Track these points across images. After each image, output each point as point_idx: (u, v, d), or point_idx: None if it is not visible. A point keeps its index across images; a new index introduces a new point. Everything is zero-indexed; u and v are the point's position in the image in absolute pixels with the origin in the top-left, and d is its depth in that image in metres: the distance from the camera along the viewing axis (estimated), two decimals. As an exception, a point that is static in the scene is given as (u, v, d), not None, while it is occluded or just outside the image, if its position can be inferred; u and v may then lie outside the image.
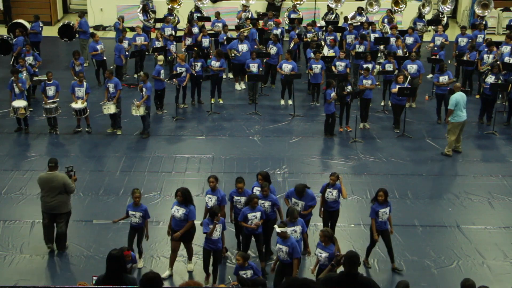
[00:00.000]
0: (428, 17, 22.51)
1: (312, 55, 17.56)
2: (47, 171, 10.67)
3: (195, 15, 21.52)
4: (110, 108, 15.05)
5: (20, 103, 15.13)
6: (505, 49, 17.85)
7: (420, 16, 21.75)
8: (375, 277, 9.69)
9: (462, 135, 14.63)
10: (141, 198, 10.34)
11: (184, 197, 9.91)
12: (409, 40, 19.10)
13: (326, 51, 18.26)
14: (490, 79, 16.12)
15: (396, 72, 16.92)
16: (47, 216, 10.66)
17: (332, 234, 9.18)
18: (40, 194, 10.71)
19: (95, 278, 8.55)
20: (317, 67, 17.03)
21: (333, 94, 14.94)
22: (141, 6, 22.16)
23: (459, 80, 18.44)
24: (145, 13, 22.08)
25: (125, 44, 18.71)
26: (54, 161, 10.76)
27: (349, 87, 15.46)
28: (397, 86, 15.32)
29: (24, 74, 16.04)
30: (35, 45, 19.88)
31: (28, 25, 20.49)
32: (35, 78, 16.85)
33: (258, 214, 10.03)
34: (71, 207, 10.77)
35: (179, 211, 9.93)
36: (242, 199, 10.37)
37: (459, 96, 14.29)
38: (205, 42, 19.28)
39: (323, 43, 18.98)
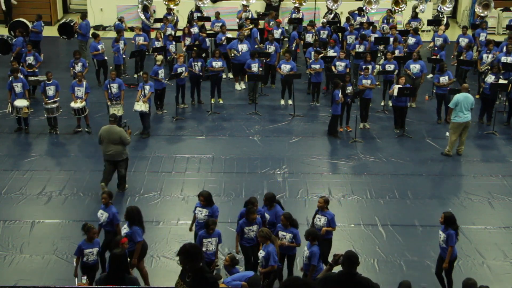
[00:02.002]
0: (424, 16, 22.50)
1: (311, 54, 17.62)
2: (108, 125, 12.51)
3: (196, 15, 21.54)
4: (119, 110, 15.07)
5: (22, 102, 15.14)
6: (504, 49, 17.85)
7: (414, 16, 21.73)
8: (375, 277, 9.69)
9: (465, 137, 14.53)
10: (139, 198, 10.26)
11: (127, 216, 9.30)
12: (411, 40, 19.06)
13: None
14: (490, 78, 16.12)
15: (396, 72, 16.93)
16: (108, 163, 12.40)
17: (270, 234, 9.06)
18: (102, 145, 12.40)
19: (84, 278, 8.55)
20: (315, 67, 17.06)
21: (340, 95, 14.91)
22: (141, 6, 22.17)
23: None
24: (146, 12, 22.11)
25: (121, 44, 18.70)
26: (114, 116, 12.70)
27: (350, 88, 15.44)
28: (397, 87, 15.29)
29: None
30: (35, 44, 19.90)
31: (29, 24, 20.50)
32: (34, 78, 16.87)
33: (288, 236, 9.47)
34: (127, 155, 12.55)
35: (124, 230, 9.35)
36: (254, 228, 9.62)
37: (461, 97, 14.20)
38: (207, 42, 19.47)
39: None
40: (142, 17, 21.91)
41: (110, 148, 12.25)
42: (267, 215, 9.99)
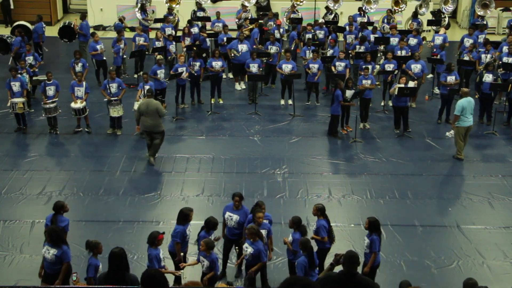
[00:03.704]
0: (424, 16, 22.51)
1: (308, 54, 17.63)
2: (145, 98, 13.92)
3: (198, 13, 21.54)
4: (119, 111, 15.07)
5: (18, 99, 15.16)
6: (505, 49, 17.83)
7: (415, 16, 21.73)
8: (375, 277, 9.68)
9: (467, 138, 14.45)
10: (139, 198, 10.18)
11: (51, 237, 8.65)
12: (413, 41, 19.05)
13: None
14: (488, 77, 16.09)
15: (396, 72, 16.91)
16: (147, 134, 13.72)
17: (258, 230, 8.97)
18: (141, 118, 13.60)
19: (74, 275, 8.50)
20: (314, 67, 17.05)
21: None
22: (140, 5, 22.16)
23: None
24: (144, 12, 22.09)
25: (122, 44, 18.67)
26: (151, 91, 14.12)
27: (352, 91, 15.37)
28: (397, 86, 15.26)
29: (27, 77, 16.05)
30: (37, 45, 19.89)
31: (30, 26, 20.46)
32: (34, 78, 16.87)
33: (289, 238, 9.43)
34: (163, 128, 13.87)
35: (50, 252, 8.68)
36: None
37: (465, 102, 14.08)
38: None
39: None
40: (139, 16, 21.88)
41: (148, 120, 13.47)
42: (236, 216, 9.76)
